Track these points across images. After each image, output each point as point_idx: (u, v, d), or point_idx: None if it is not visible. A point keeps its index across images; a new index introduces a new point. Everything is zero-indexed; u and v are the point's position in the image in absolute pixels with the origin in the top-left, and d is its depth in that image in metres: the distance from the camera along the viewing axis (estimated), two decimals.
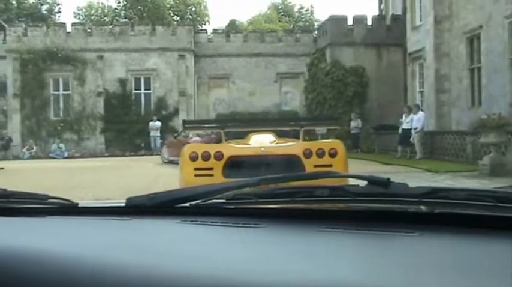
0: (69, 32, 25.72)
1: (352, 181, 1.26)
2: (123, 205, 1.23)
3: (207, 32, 29.24)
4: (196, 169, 5.61)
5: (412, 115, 16.43)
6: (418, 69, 22.55)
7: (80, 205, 1.30)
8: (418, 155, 15.87)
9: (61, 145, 23.61)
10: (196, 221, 1.10)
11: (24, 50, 24.75)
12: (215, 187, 1.22)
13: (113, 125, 25.31)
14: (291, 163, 5.53)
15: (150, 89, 26.23)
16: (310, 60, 26.17)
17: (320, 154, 5.57)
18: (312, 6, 54.07)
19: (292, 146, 5.80)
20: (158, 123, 23.97)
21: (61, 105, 25.92)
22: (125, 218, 1.17)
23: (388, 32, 24.90)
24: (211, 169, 5.58)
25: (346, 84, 23.98)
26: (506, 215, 0.93)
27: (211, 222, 1.08)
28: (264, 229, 1.02)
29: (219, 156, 5.61)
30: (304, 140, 6.04)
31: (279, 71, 27.84)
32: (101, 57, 25.52)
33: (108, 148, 25.19)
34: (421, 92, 22.25)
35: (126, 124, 25.26)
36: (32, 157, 23.03)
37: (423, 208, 1.06)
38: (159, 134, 24.06)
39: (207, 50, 27.73)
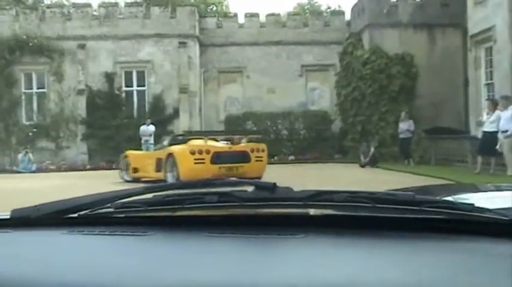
0: (43, 15, 22.03)
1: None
2: (7, 217, 1.24)
3: (216, 16, 25.35)
4: (195, 159, 10.75)
5: (498, 112, 12.07)
6: (484, 55, 18.22)
7: None
8: (510, 171, 11.51)
9: (29, 155, 19.88)
10: (84, 231, 1.13)
11: None
12: (103, 196, 1.25)
13: (98, 131, 21.58)
14: (244, 155, 11.28)
15: (144, 85, 22.50)
16: (343, 48, 22.07)
17: (257, 150, 11.62)
18: (339, 6, 49.33)
19: (244, 146, 11.67)
20: (151, 128, 20.17)
21: (35, 106, 22.34)
22: (7, 230, 1.18)
23: (443, 9, 20.62)
24: (204, 159, 10.78)
25: (390, 76, 19.81)
26: (381, 215, 1.05)
27: (99, 231, 1.12)
28: (152, 236, 1.08)
29: (208, 151, 10.92)
30: (249, 142, 12.12)
31: (305, 63, 24.24)
32: (82, 47, 21.89)
33: (92, 159, 21.48)
34: (489, 85, 17.92)
35: (114, 129, 21.53)
36: None
37: (307, 211, 1.15)
38: (152, 141, 20.20)
39: (215, 38, 24.03)
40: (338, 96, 22.04)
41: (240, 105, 24.02)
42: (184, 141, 11.94)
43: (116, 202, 1.23)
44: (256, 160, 11.34)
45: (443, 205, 1.08)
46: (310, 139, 22.54)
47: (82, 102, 21.87)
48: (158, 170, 11.63)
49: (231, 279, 0.81)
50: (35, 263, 0.93)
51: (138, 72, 22.50)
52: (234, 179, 1.39)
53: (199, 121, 23.03)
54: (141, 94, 22.57)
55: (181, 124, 21.90)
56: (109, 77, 22.04)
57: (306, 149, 22.21)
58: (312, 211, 1.14)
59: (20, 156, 20.17)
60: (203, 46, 23.85)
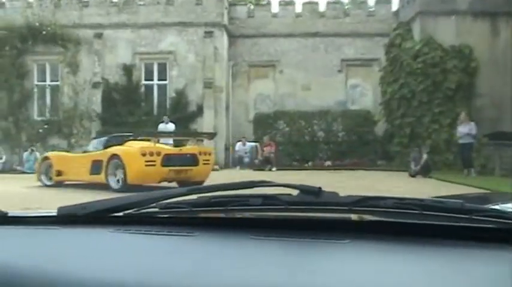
0: (58, 2, 20.35)
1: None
2: (54, 214, 1.27)
3: (247, 4, 23.31)
4: (146, 161, 10.21)
5: None
6: None
7: (9, 215, 1.32)
8: None
9: (36, 153, 18.17)
10: (130, 230, 1.14)
11: (1, 27, 19.59)
12: (148, 195, 1.27)
13: (113, 128, 19.61)
14: (193, 158, 10.91)
15: (165, 79, 20.59)
16: (389, 40, 19.69)
17: (205, 153, 11.29)
18: None
19: (193, 148, 11.40)
20: (171, 127, 18.24)
21: (47, 100, 20.67)
22: (55, 228, 1.21)
23: None
24: (155, 161, 10.28)
25: (444, 72, 17.40)
26: (429, 223, 1.04)
27: (145, 231, 1.13)
28: (198, 237, 1.08)
29: (158, 153, 10.44)
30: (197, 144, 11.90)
31: (345, 57, 22.06)
32: (99, 36, 20.13)
33: None
34: None
35: (131, 127, 19.55)
36: None
37: (353, 216, 1.16)
38: (171, 142, 18.20)
39: (246, 28, 22.05)
40: (383, 94, 19.72)
41: (271, 103, 21.90)
42: (119, 143, 11.28)
43: (161, 202, 1.26)
44: (204, 163, 11.14)
45: (493, 213, 1.08)
46: (349, 143, 20.17)
47: (97, 96, 20.11)
48: (96, 172, 10.82)
49: (276, 282, 0.82)
50: (82, 261, 0.95)
51: (159, 64, 20.61)
52: (277, 182, 1.29)
53: (226, 120, 20.98)
54: (162, 89, 20.67)
55: (205, 123, 19.92)
56: (127, 69, 20.22)
57: (344, 153, 19.88)
58: (358, 217, 1.15)
59: (25, 155, 18.51)
60: (232, 37, 21.84)
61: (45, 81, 20.75)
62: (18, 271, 0.90)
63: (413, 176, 14.43)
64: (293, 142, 20.18)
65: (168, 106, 20.37)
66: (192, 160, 10.85)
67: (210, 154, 11.54)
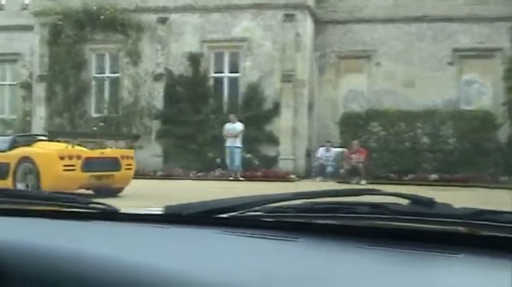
0: None
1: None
2: (161, 212, 1.33)
3: None
4: (65, 165, 9.46)
5: None
6: None
7: (120, 211, 1.39)
8: None
9: None
10: (236, 232, 1.17)
11: (57, 12, 17.73)
12: (252, 199, 1.31)
13: (175, 127, 17.30)
14: (115, 162, 10.27)
15: (237, 71, 17.79)
16: None
17: (127, 157, 10.64)
18: None
19: (115, 152, 10.68)
20: (238, 127, 15.47)
21: (106, 94, 18.52)
22: (164, 226, 1.25)
23: None
24: (74, 165, 9.56)
25: None
26: None
27: (250, 234, 1.15)
28: (302, 243, 1.10)
29: (78, 157, 9.74)
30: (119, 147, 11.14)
31: (459, 46, 18.32)
32: (163, 21, 17.76)
33: (167, 163, 17.12)
34: None
35: (196, 126, 17.05)
36: None
37: (467, 229, 1.11)
38: (239, 144, 15.44)
39: (336, 12, 19.00)
40: (507, 92, 15.73)
41: (365, 101, 18.50)
42: (28, 144, 10.49)
43: (265, 205, 1.28)
44: (126, 168, 10.65)
45: None
46: (463, 151, 16.20)
47: (159, 90, 17.72)
48: (0, 177, 9.78)
49: None
50: (189, 260, 0.98)
51: (230, 53, 17.88)
52: (386, 191, 1.30)
53: (308, 121, 17.83)
54: (233, 82, 17.92)
55: (283, 123, 16.95)
56: (194, 59, 17.67)
57: (456, 165, 15.91)
58: (473, 230, 1.10)
59: None
60: (319, 23, 18.74)
61: (104, 73, 18.68)
62: (127, 266, 0.93)
63: None
64: (390, 149, 16.56)
65: (239, 103, 17.57)
66: (115, 165, 10.30)
67: (132, 158, 10.93)
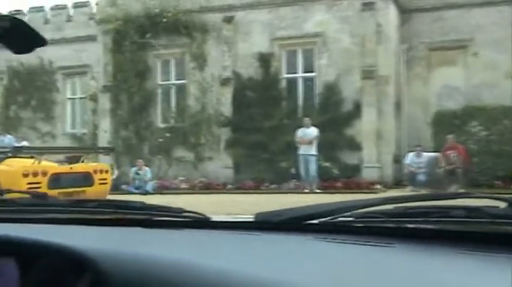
0: None
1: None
2: (252, 220, 1.35)
3: None
4: (28, 183, 8.70)
5: None
6: None
7: (212, 219, 1.44)
8: None
9: (145, 168, 14.92)
10: (327, 238, 1.16)
11: (118, 18, 16.93)
12: (341, 204, 1.29)
13: (245, 136, 15.88)
14: (87, 177, 9.63)
15: (312, 71, 16.07)
16: None
17: (100, 171, 9.95)
18: None
19: (87, 166, 9.95)
20: (312, 132, 13.82)
21: (172, 102, 17.42)
22: (256, 233, 1.26)
23: None
24: (40, 183, 8.87)
25: None
26: None
27: (342, 240, 1.14)
28: (398, 249, 1.07)
29: (44, 173, 9.11)
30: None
31: None
32: (229, 20, 16.42)
33: (238, 175, 15.74)
34: None
35: (268, 133, 15.58)
36: None
37: None
38: (314, 152, 13.78)
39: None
40: None
41: (461, 97, 16.22)
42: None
43: (356, 211, 1.27)
44: (100, 183, 10.05)
45: None
46: None
47: (227, 96, 16.34)
48: None
49: None
50: (283, 267, 0.97)
51: (304, 51, 16.20)
52: (482, 194, 1.29)
53: (395, 122, 15.81)
54: (308, 83, 16.25)
55: (365, 126, 15.03)
56: (264, 59, 16.18)
57: None
58: None
59: (132, 171, 15.28)
60: (404, 11, 16.78)
61: (169, 79, 17.59)
62: (221, 273, 0.92)
63: None
64: (493, 152, 14.19)
65: (315, 105, 15.87)
66: (86, 180, 9.77)
67: (106, 172, 10.39)
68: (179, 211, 1.47)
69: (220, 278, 0.90)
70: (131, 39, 17.02)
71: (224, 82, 16.35)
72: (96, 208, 1.54)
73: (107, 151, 12.96)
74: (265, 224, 1.30)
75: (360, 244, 1.09)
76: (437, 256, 1.01)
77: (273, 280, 0.87)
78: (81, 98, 21.19)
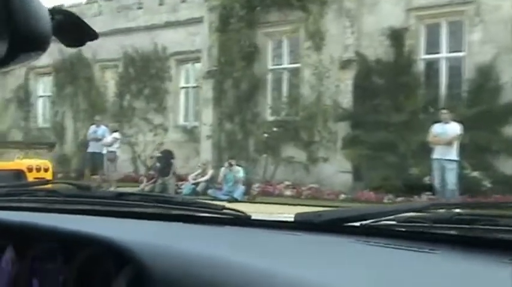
0: None
1: None
2: (292, 220, 1.36)
3: None
4: None
5: None
6: None
7: (252, 218, 1.46)
8: None
9: (237, 168, 12.40)
10: (369, 241, 1.15)
11: None
12: (384, 208, 1.37)
13: (370, 132, 12.77)
14: (17, 176, 8.42)
15: (460, 50, 12.41)
16: None
17: (37, 169, 8.87)
18: None
19: (19, 164, 9.06)
20: (452, 129, 10.30)
21: (284, 91, 14.73)
22: (296, 233, 1.27)
23: None
24: None
25: None
26: None
27: (384, 244, 1.13)
28: (441, 255, 1.05)
29: None
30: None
31: None
32: None
33: (359, 181, 12.67)
34: None
35: (398, 130, 12.41)
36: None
37: None
38: (454, 157, 10.49)
39: None
40: None
41: None
42: None
43: (399, 215, 1.25)
44: None
45: None
46: None
47: (347, 82, 13.26)
48: None
49: None
50: (322, 268, 0.95)
51: (450, 24, 12.61)
52: None
53: None
54: (455, 66, 12.62)
55: None
56: (396, 36, 12.90)
57: None
58: None
59: (222, 171, 12.77)
60: None
61: (281, 63, 14.91)
62: (261, 271, 0.91)
63: None
64: None
65: (462, 94, 12.24)
66: (17, 179, 8.60)
67: (46, 170, 9.18)
68: (220, 208, 1.49)
69: (260, 276, 0.90)
70: (238, 15, 14.60)
71: (344, 65, 13.29)
72: (138, 201, 1.60)
73: (49, 146, 12.12)
74: (306, 224, 1.31)
75: (403, 249, 1.08)
76: (482, 264, 0.98)
77: (314, 281, 0.86)
78: (193, 87, 19.33)
